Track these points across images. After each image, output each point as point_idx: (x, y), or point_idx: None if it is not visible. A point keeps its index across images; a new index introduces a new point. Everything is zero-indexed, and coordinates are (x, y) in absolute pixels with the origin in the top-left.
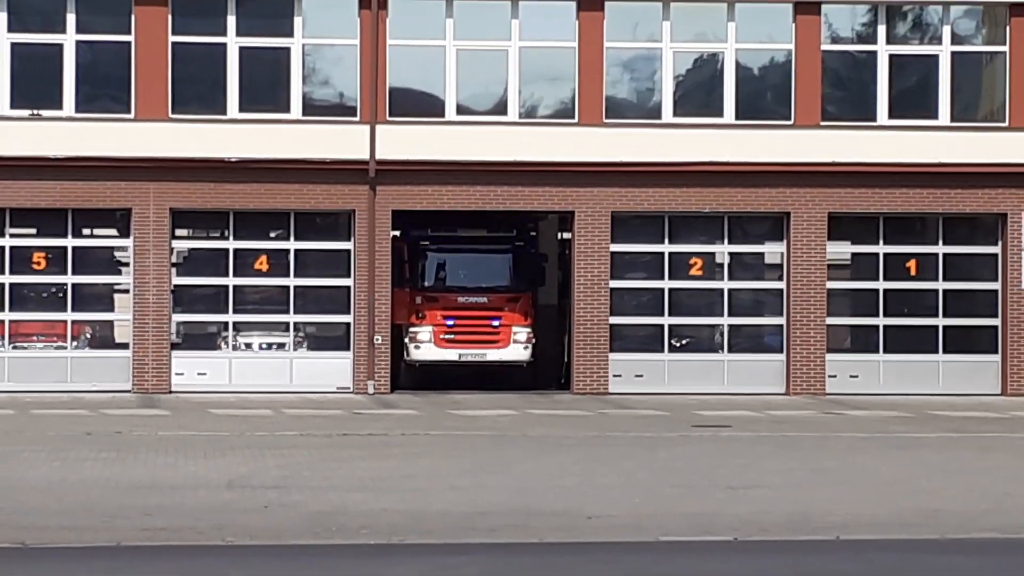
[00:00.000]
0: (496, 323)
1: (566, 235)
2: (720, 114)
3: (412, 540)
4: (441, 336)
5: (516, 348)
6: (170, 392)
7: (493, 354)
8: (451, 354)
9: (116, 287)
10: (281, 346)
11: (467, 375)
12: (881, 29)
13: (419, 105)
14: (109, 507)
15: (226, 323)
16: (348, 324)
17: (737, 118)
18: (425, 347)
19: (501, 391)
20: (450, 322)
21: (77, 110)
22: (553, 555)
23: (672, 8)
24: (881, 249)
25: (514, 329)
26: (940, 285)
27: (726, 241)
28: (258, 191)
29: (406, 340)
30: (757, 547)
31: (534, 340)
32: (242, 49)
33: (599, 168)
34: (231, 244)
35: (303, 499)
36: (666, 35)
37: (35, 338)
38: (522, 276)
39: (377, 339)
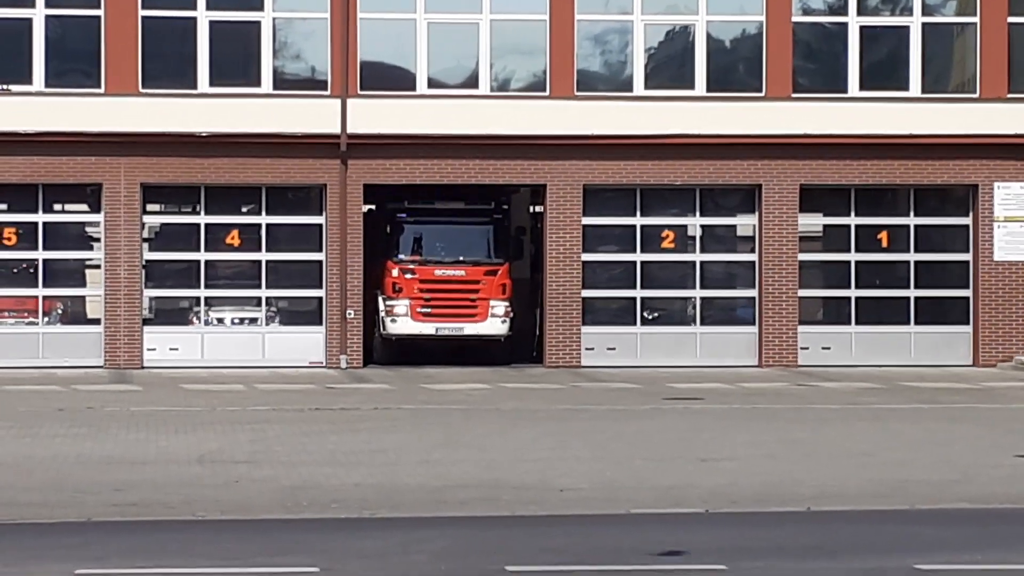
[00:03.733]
0: (474, 296)
1: (538, 208)
2: (691, 86)
3: (383, 514)
4: (418, 310)
5: (494, 322)
6: (142, 367)
7: (471, 328)
8: (428, 328)
9: (87, 262)
10: (253, 321)
11: (442, 349)
12: (852, 0)
13: (390, 79)
14: (79, 483)
15: (198, 298)
16: (320, 299)
17: (708, 90)
18: (402, 321)
19: (476, 365)
20: (427, 295)
21: (47, 85)
22: (524, 528)
23: None
24: (853, 221)
25: (492, 303)
26: (912, 257)
27: (698, 213)
28: (229, 165)
29: (382, 314)
30: (728, 519)
31: (512, 314)
32: (212, 23)
33: (571, 141)
34: (202, 219)
35: (274, 473)
36: (637, 7)
37: (6, 314)
38: (500, 249)
39: (350, 313)
